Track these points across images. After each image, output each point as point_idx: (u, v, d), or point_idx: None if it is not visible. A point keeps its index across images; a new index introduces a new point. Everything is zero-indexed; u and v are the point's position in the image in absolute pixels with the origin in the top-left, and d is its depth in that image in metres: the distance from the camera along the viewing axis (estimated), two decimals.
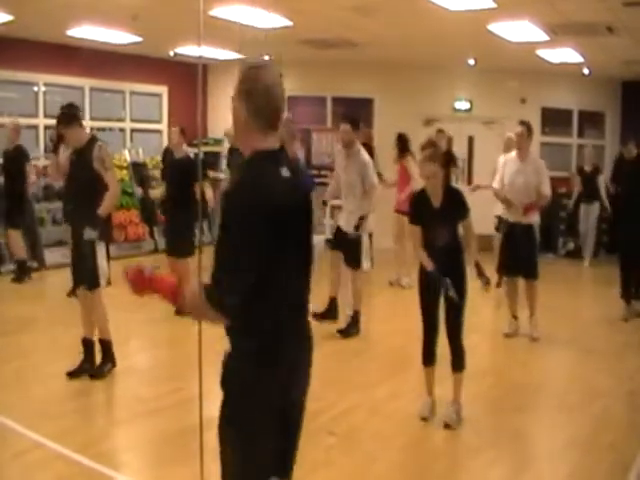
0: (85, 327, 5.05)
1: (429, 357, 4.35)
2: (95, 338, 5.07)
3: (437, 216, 4.20)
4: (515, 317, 6.47)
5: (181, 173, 6.87)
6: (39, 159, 9.69)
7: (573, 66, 10.53)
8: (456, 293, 4.15)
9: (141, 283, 2.31)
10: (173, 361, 5.65)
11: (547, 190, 6.14)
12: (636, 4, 6.58)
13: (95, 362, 5.06)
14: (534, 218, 6.31)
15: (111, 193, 4.89)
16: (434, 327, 4.33)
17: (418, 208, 4.31)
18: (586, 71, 11.00)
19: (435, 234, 4.20)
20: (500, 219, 7.06)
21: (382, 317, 6.56)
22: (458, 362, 4.29)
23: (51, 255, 8.99)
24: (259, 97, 2.22)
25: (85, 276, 4.96)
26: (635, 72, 10.86)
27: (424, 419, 4.33)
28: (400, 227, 8.50)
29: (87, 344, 5.04)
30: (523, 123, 6.32)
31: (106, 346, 5.08)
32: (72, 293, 6.12)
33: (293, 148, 4.77)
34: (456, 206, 4.23)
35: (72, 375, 4.93)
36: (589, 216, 10.50)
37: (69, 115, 4.93)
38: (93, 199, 4.83)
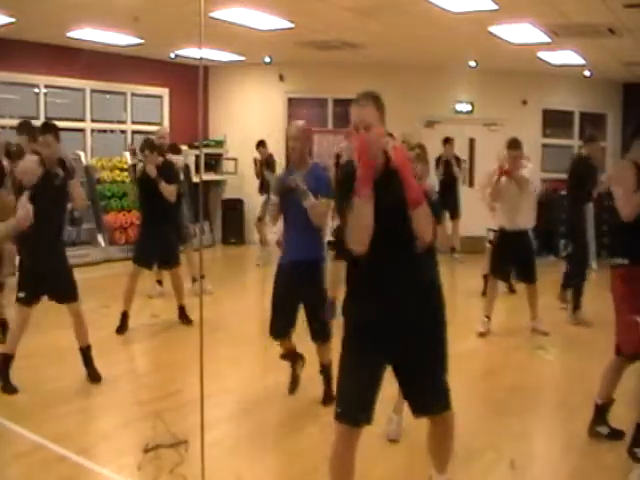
0: (11, 343, 4.84)
1: None
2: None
3: None
4: (488, 317, 6.46)
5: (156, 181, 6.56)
6: None
7: (574, 68, 10.54)
8: None
9: (362, 147, 2.64)
10: (172, 364, 5.64)
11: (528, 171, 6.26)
12: (637, 6, 6.59)
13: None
14: (528, 224, 6.37)
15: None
16: None
17: None
18: (588, 73, 11.01)
19: None
20: (494, 231, 6.84)
21: None
22: None
23: None
24: None
25: (65, 290, 4.86)
26: (636, 74, 10.87)
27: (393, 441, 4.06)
28: None
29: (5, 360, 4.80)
30: (517, 146, 6.19)
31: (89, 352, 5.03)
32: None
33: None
34: None
35: None
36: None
37: (56, 129, 4.81)
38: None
